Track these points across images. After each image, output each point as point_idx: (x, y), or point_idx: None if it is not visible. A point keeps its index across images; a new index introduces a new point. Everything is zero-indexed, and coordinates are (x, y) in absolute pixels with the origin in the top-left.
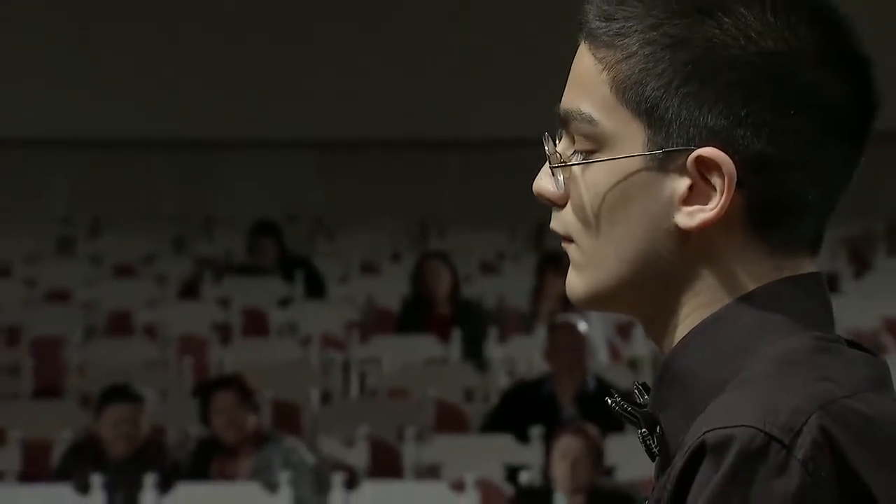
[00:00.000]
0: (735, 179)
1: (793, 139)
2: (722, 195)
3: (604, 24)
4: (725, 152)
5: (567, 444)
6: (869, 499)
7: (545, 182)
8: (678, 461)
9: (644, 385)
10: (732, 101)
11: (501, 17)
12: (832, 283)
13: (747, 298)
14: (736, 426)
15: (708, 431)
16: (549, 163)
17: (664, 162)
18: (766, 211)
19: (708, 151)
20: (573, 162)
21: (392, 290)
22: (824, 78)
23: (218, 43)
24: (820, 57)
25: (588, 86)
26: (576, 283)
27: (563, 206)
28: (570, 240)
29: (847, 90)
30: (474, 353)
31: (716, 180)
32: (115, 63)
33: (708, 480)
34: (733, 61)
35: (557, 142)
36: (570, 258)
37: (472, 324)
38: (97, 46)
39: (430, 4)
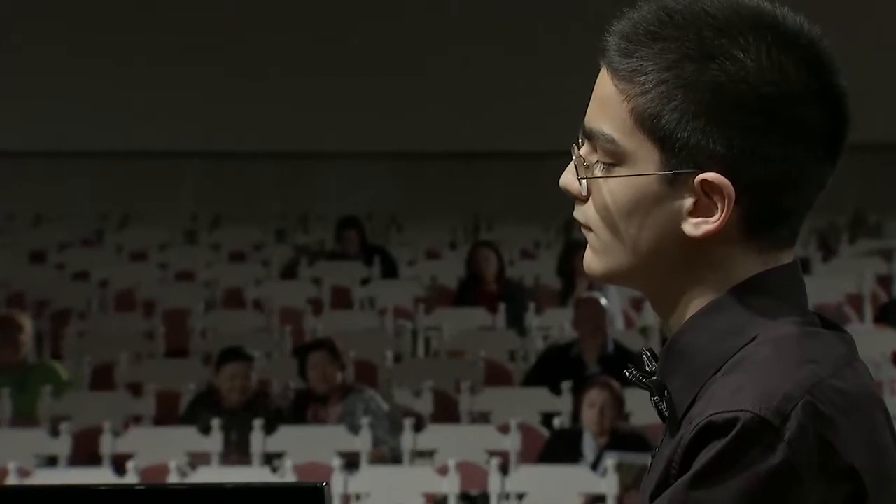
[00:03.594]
0: (733, 199)
1: (782, 165)
2: (723, 212)
3: (624, 60)
4: (726, 177)
5: (595, 395)
6: (849, 469)
7: (570, 179)
8: (687, 434)
9: (651, 351)
10: (733, 136)
11: (539, 53)
12: (805, 266)
13: (739, 288)
14: (738, 410)
15: (714, 414)
16: (577, 170)
17: (674, 181)
18: (758, 221)
19: (712, 176)
20: (597, 174)
21: (450, 272)
22: (809, 111)
23: (314, 72)
24: (806, 94)
25: (609, 110)
26: (593, 262)
27: (585, 201)
28: (589, 228)
29: (827, 119)
30: (516, 322)
31: (717, 199)
32: (231, 88)
33: (711, 452)
34: (735, 102)
35: (582, 144)
36: (589, 242)
37: (514, 299)
38: (212, 73)
39: (483, 42)
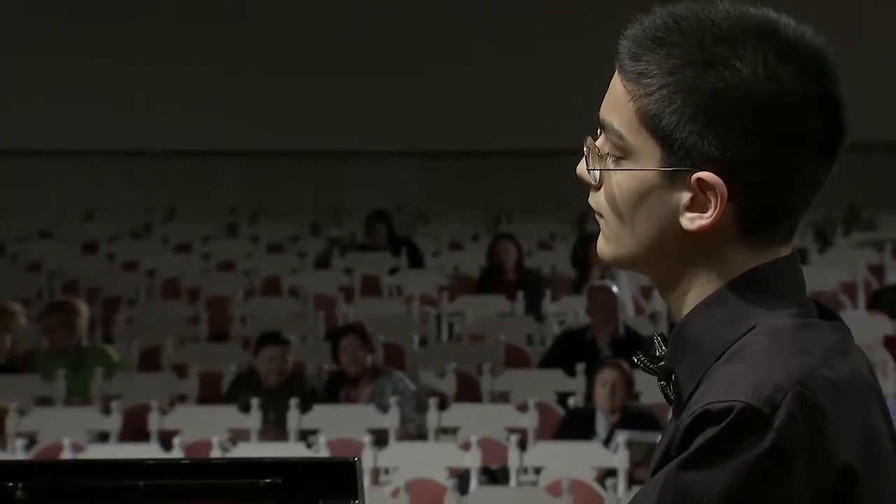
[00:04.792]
0: (726, 197)
1: (776, 167)
2: (716, 209)
3: (632, 63)
4: (720, 177)
5: (607, 375)
6: (838, 456)
7: (584, 168)
8: (685, 420)
9: (662, 335)
10: (727, 139)
11: (555, 57)
12: (802, 256)
13: (740, 280)
14: (732, 400)
15: (710, 403)
16: (587, 161)
17: (673, 177)
18: (753, 219)
19: (706, 175)
20: (606, 166)
21: (473, 262)
22: (805, 117)
23: (346, 73)
24: (803, 101)
25: (619, 108)
26: (604, 247)
27: (598, 189)
28: (600, 215)
29: (824, 125)
30: (534, 308)
31: (711, 197)
32: (268, 91)
33: (705, 438)
34: (730, 107)
35: (598, 136)
36: (601, 229)
37: (532, 287)
38: (251, 77)
39: (502, 50)
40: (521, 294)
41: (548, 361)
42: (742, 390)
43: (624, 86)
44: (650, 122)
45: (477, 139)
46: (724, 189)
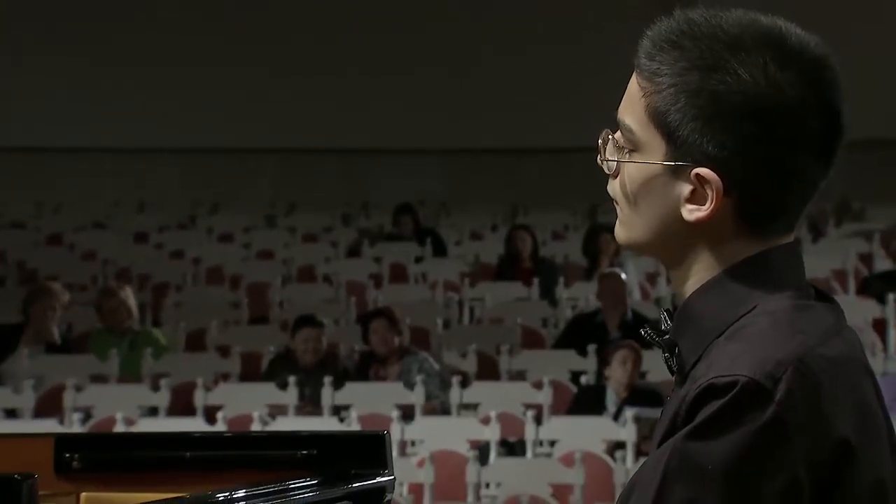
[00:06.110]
0: (722, 192)
1: (772, 167)
2: (712, 202)
3: (647, 62)
4: (717, 173)
5: (625, 354)
6: (834, 428)
7: (601, 159)
8: (691, 392)
9: (668, 311)
10: (725, 139)
11: (571, 59)
12: None
13: (743, 264)
14: (736, 374)
15: (715, 377)
16: (603, 152)
17: (676, 171)
18: (749, 214)
19: (704, 171)
20: (618, 158)
21: (492, 251)
22: (803, 122)
23: (379, 73)
24: (801, 106)
25: (632, 104)
26: (619, 232)
27: (614, 178)
28: (616, 202)
29: (821, 128)
30: (548, 294)
31: (709, 191)
32: (304, 91)
33: (710, 410)
34: (729, 110)
35: (617, 129)
36: (617, 214)
37: (546, 274)
38: (291, 78)
39: (520, 51)
40: (536, 280)
41: (561, 342)
42: (745, 366)
43: (638, 83)
44: (657, 118)
45: (496, 137)
46: (721, 185)
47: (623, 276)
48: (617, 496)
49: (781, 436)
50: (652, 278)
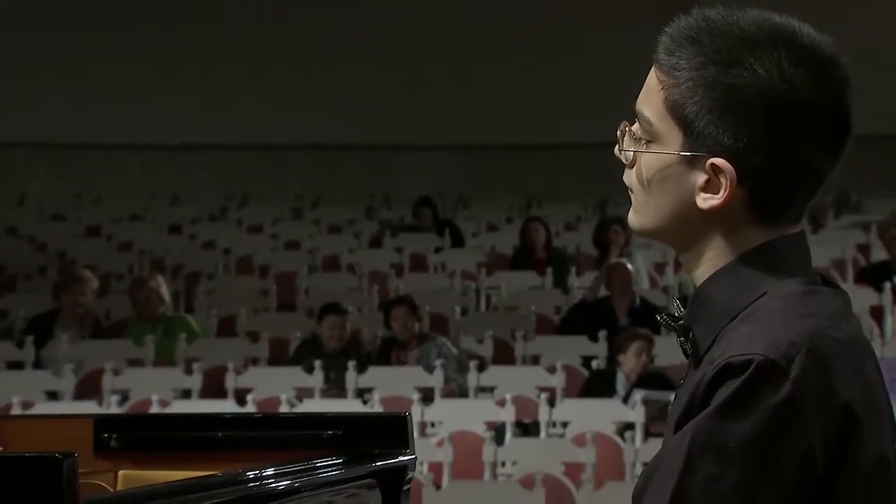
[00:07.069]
0: (735, 182)
1: (783, 159)
2: (726, 191)
3: (666, 56)
4: (731, 163)
5: (640, 345)
6: (844, 404)
7: (618, 149)
8: (709, 372)
9: (680, 298)
10: (739, 131)
11: (584, 58)
12: None
13: (754, 252)
14: (752, 354)
15: (732, 356)
16: (620, 143)
17: (691, 161)
18: (761, 203)
19: (718, 161)
20: (636, 148)
21: (507, 242)
22: (812, 117)
23: (400, 72)
24: (811, 102)
25: (651, 97)
26: (633, 219)
27: (631, 167)
28: (631, 191)
29: (831, 124)
30: (561, 282)
31: (723, 180)
32: (327, 89)
33: (729, 389)
34: (743, 103)
35: (634, 121)
36: (632, 201)
37: (559, 264)
38: (313, 76)
39: (534, 50)
40: (549, 270)
41: (566, 325)
42: (760, 345)
43: (657, 76)
44: (675, 110)
45: (512, 133)
46: (734, 174)
47: (629, 266)
48: (626, 474)
49: (797, 412)
50: (660, 268)
